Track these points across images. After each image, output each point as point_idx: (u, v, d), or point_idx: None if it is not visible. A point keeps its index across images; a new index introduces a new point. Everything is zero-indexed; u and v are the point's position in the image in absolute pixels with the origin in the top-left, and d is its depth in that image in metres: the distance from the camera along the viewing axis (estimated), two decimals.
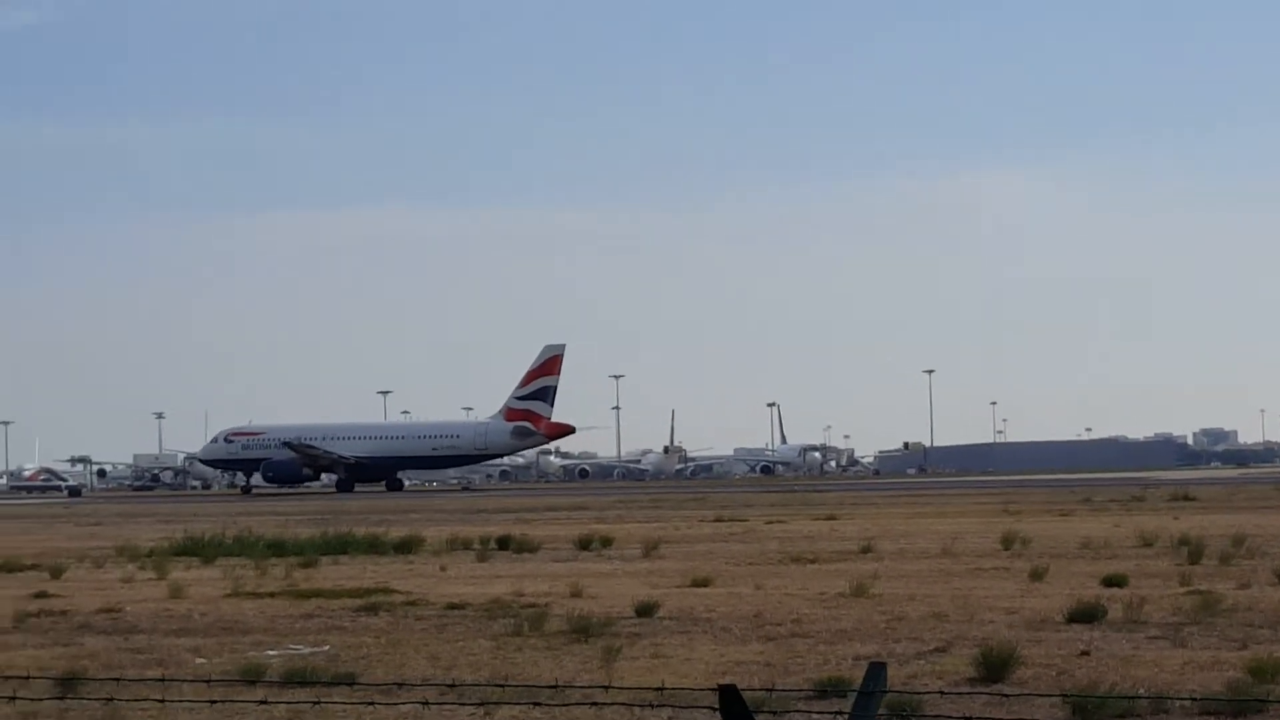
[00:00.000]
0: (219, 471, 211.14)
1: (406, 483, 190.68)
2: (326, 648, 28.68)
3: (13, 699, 14.56)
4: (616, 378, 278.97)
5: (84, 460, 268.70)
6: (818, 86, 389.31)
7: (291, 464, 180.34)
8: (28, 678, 17.16)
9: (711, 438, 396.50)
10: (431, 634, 30.35)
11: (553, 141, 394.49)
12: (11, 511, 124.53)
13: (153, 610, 35.86)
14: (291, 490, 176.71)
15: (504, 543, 57.08)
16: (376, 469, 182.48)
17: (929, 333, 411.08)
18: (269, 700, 19.08)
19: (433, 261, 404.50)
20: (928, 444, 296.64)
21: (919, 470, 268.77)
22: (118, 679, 21.63)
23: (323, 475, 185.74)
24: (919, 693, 20.32)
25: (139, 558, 54.04)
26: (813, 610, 33.11)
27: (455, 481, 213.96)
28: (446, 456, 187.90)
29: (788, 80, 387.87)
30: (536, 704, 12.26)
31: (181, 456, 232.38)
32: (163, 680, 22.49)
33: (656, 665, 25.17)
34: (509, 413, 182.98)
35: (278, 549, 55.06)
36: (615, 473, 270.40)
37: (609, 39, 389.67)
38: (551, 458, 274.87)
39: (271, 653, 27.91)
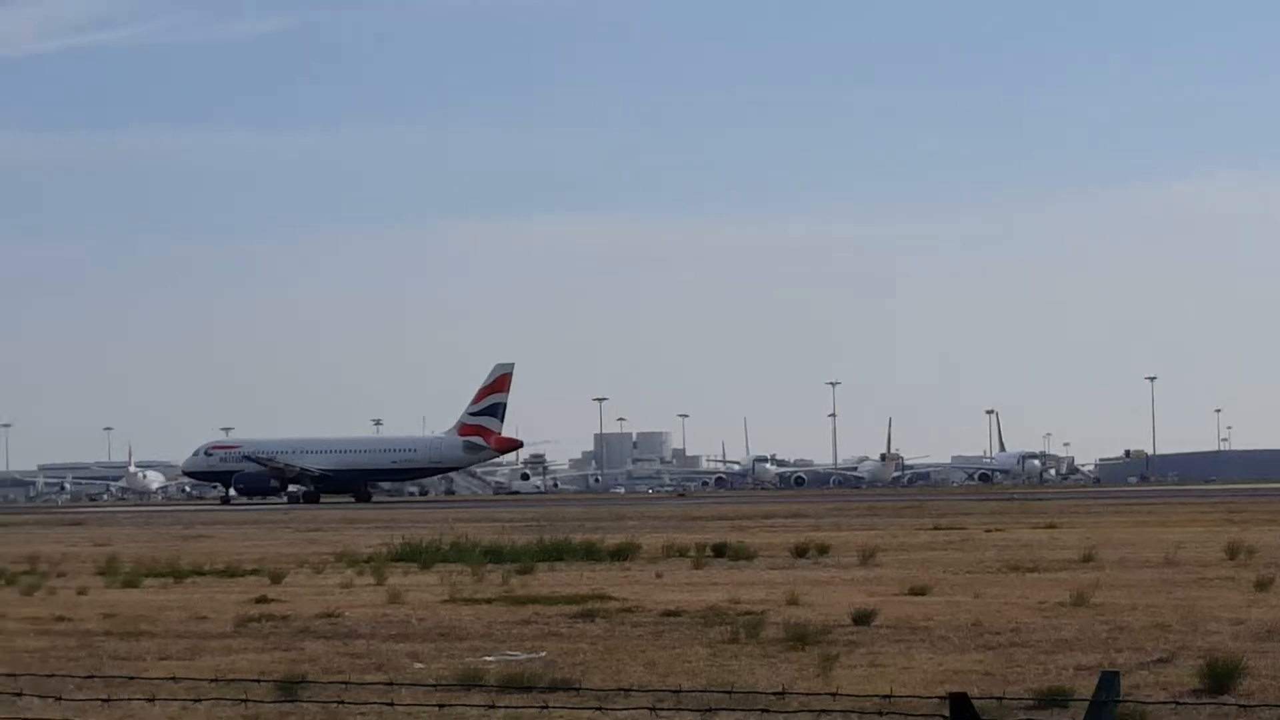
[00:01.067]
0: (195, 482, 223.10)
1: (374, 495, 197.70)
2: (543, 654, 28.75)
3: (238, 702, 14.70)
4: (833, 384, 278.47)
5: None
6: (1073, 97, 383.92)
7: (261, 476, 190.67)
8: (255, 681, 17.30)
9: (928, 445, 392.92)
10: (648, 641, 30.32)
11: (781, 149, 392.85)
12: (233, 518, 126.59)
13: (371, 615, 36.17)
14: (262, 501, 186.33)
15: (720, 550, 56.98)
16: (341, 481, 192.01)
17: (1151, 338, 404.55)
18: (496, 705, 19.07)
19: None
20: (1150, 452, 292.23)
21: (1141, 479, 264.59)
22: (339, 683, 21.83)
23: (290, 486, 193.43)
24: (1144, 703, 19.93)
25: (358, 563, 54.61)
26: (1032, 619, 32.65)
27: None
28: (405, 469, 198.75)
29: (1043, 87, 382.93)
30: (763, 710, 12.06)
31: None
32: (383, 685, 22.66)
33: (874, 674, 24.93)
34: (462, 428, 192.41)
35: (495, 555, 55.38)
36: (831, 480, 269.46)
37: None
38: (768, 465, 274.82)
39: (489, 658, 28.02)
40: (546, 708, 12.74)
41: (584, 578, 46.83)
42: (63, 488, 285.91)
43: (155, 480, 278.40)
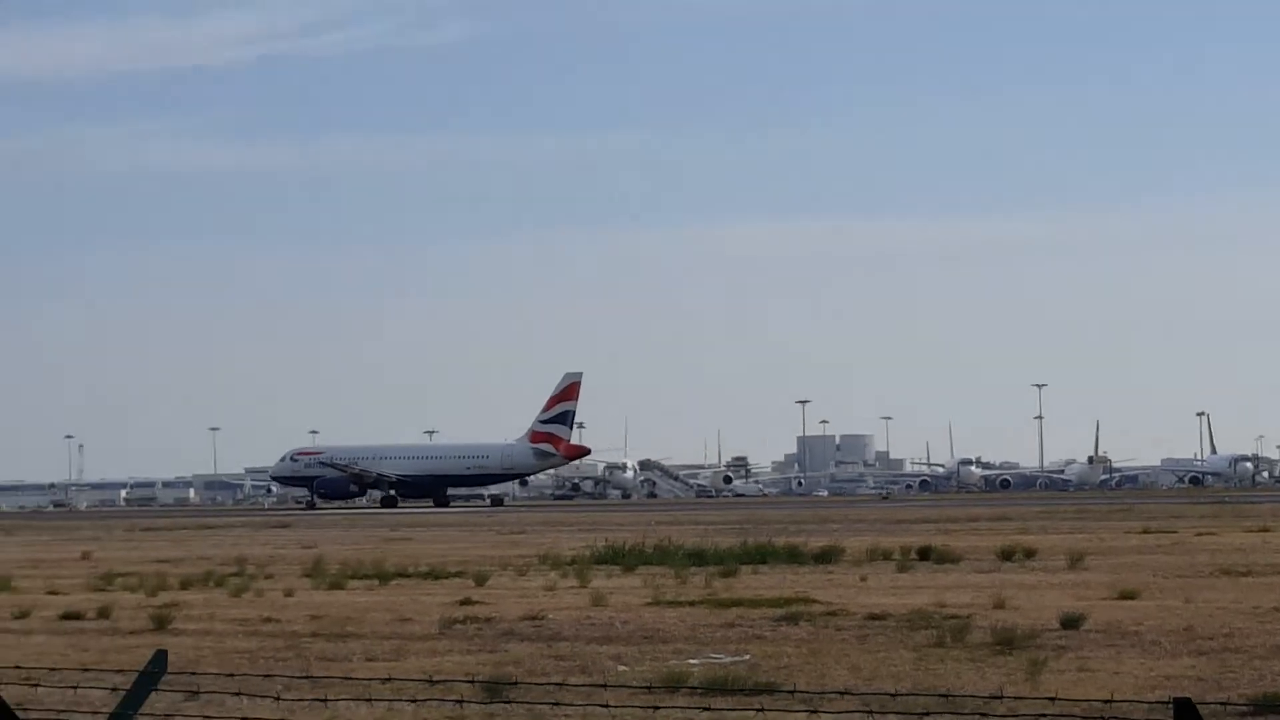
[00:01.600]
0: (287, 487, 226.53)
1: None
2: (747, 656, 28.59)
3: (445, 702, 14.69)
4: (1039, 386, 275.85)
5: None
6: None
7: (341, 481, 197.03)
8: (461, 682, 17.30)
9: (1137, 447, 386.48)
10: (852, 644, 30.06)
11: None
12: (437, 520, 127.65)
13: (575, 618, 36.21)
14: (342, 505, 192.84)
15: (925, 553, 56.49)
16: (418, 486, 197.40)
17: None
18: (711, 708, 18.93)
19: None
20: None
21: None
22: (543, 684, 21.82)
23: (369, 491, 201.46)
24: None
25: (561, 566, 54.77)
26: (1247, 624, 31.97)
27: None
28: (478, 475, 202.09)
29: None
30: (981, 715, 11.81)
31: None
32: (588, 686, 22.62)
33: (1084, 679, 24.50)
34: (533, 435, 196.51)
35: (698, 558, 55.24)
36: (1038, 483, 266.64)
37: None
38: (972, 468, 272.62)
39: (693, 661, 27.91)
40: (762, 710, 12.54)
41: (787, 581, 46.61)
42: (269, 490, 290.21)
43: None
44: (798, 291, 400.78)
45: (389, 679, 17.94)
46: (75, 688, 19.70)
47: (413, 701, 17.00)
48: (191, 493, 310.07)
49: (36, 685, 13.25)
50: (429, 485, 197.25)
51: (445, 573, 52.19)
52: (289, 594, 44.66)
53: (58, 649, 31.27)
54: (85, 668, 23.18)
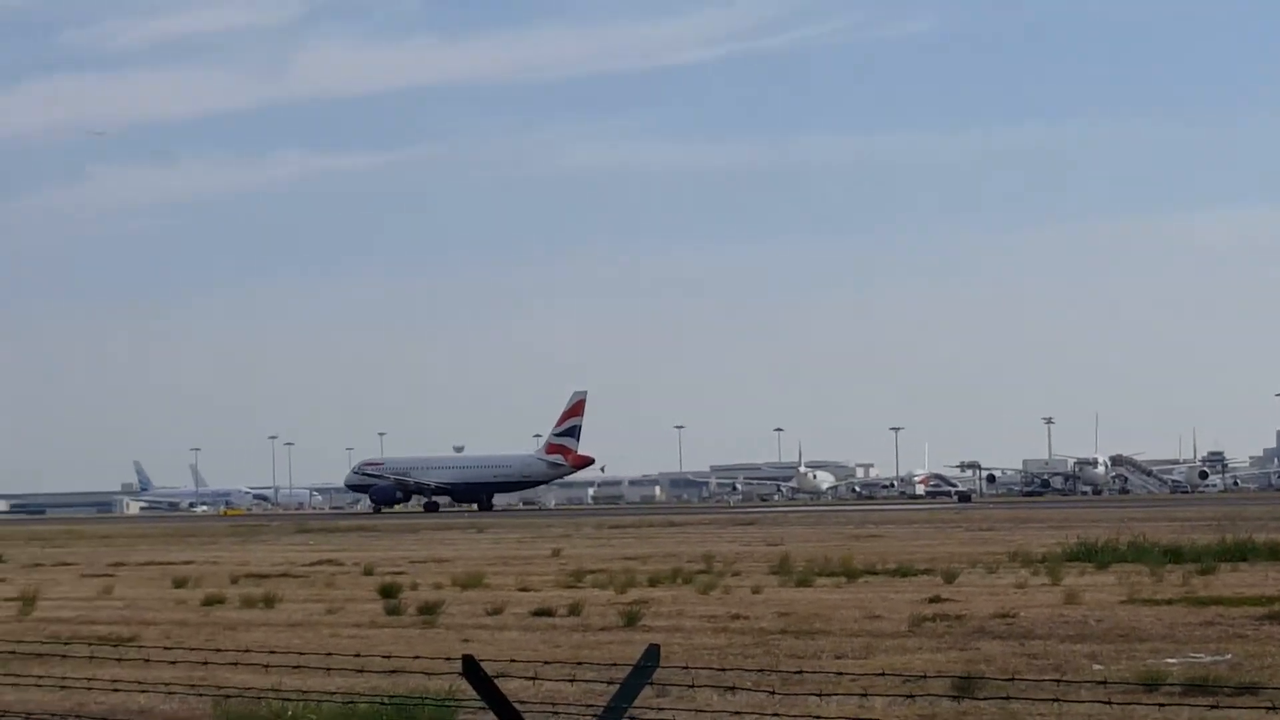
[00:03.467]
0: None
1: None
2: (1229, 656, 27.56)
3: (911, 698, 14.42)
4: None
5: (973, 466, 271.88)
6: None
7: (389, 489, 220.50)
8: (927, 677, 16.91)
9: None
10: None
11: None
12: (904, 517, 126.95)
13: (1046, 616, 35.44)
14: (389, 510, 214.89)
15: None
16: (455, 493, 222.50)
17: None
18: (1220, 706, 18.19)
19: None
20: None
21: None
22: (1013, 679, 21.25)
23: (413, 498, 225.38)
24: None
25: (1031, 563, 53.81)
26: None
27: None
28: (502, 483, 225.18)
29: None
30: None
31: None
32: (1059, 683, 21.99)
33: None
34: (549, 447, 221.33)
35: (1174, 555, 53.74)
36: None
37: None
38: None
39: (1171, 660, 27.03)
40: (1273, 708, 11.92)
41: (1270, 579, 44.92)
42: (734, 488, 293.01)
43: (825, 480, 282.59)
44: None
45: (851, 675, 17.66)
46: (573, 680, 19.93)
47: (883, 697, 16.69)
48: (657, 490, 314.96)
49: (535, 678, 13.54)
50: (467, 492, 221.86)
51: (913, 570, 51.70)
52: (756, 591, 44.70)
53: (531, 644, 31.75)
54: (557, 661, 23.40)
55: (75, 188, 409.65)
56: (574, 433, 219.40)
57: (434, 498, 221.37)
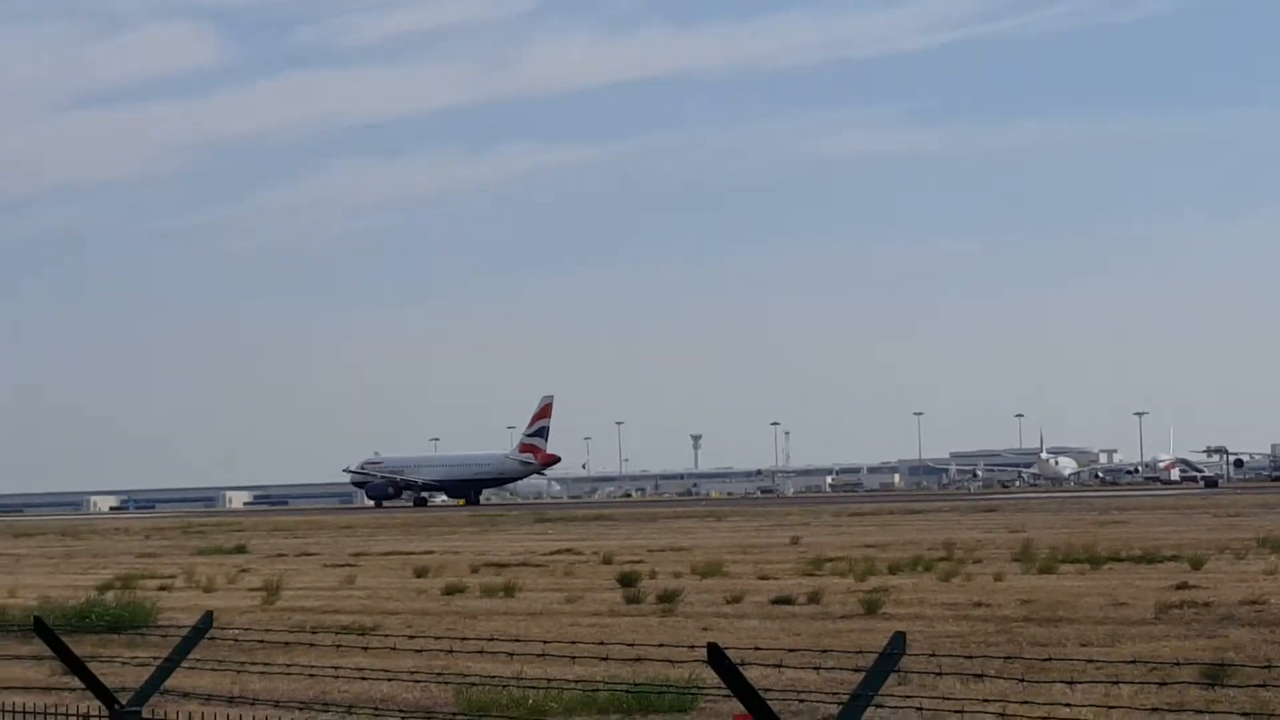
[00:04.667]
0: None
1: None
2: None
3: (1161, 685, 14.16)
4: None
5: (1220, 450, 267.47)
6: None
7: (382, 486, 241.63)
8: (1177, 664, 16.57)
9: None
10: None
11: None
12: (1149, 502, 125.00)
13: None
14: (376, 505, 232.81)
15: None
16: (439, 489, 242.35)
17: None
18: None
19: None
20: None
21: None
22: (1268, 666, 20.82)
23: (403, 494, 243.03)
24: None
25: None
26: None
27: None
28: (479, 479, 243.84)
29: None
30: None
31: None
32: None
33: None
34: (521, 447, 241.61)
35: None
36: None
37: None
38: None
39: None
40: None
41: None
42: (974, 474, 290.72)
43: (1067, 467, 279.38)
44: None
45: (1098, 662, 17.36)
46: (818, 669, 19.83)
47: (1129, 685, 16.38)
48: (896, 477, 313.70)
49: (779, 665, 13.57)
50: (454, 488, 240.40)
51: (1160, 557, 50.86)
52: (998, 578, 44.21)
53: (771, 633, 31.64)
54: (798, 649, 23.28)
55: (310, 183, 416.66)
56: (543, 434, 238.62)
57: (422, 494, 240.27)
